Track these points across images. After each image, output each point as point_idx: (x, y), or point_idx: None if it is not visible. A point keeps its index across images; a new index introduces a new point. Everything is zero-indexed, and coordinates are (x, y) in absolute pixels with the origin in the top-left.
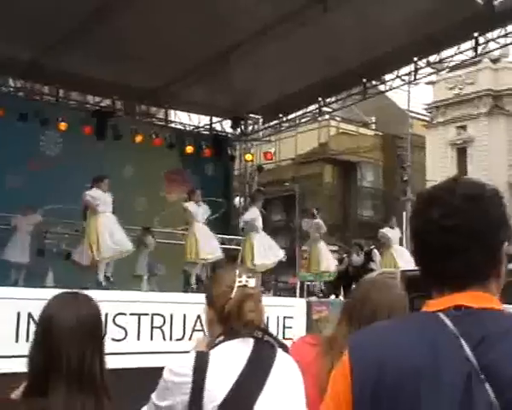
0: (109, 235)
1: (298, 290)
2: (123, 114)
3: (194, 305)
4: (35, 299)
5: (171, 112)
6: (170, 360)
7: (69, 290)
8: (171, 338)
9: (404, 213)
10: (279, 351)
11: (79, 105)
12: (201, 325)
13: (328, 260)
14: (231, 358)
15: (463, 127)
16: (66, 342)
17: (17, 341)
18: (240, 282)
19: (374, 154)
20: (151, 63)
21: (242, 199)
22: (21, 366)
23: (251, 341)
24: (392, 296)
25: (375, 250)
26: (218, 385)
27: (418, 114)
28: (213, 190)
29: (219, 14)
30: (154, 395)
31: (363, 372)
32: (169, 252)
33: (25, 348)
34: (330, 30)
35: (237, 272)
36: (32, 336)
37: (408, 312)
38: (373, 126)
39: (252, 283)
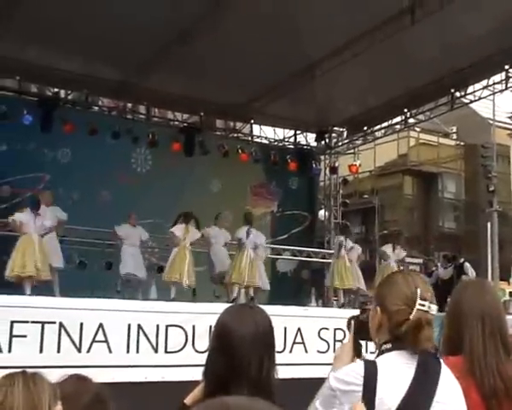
0: None
1: None
2: (208, 129)
3: (294, 318)
4: (143, 311)
5: (256, 126)
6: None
7: (239, 303)
8: None
9: (489, 225)
10: (443, 364)
11: (167, 122)
12: (302, 338)
13: None
14: (399, 367)
15: None
16: (247, 350)
17: (128, 352)
18: (422, 305)
19: (455, 164)
20: (236, 80)
21: (327, 212)
22: (132, 375)
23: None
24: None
25: (467, 264)
26: (390, 394)
27: (501, 122)
28: (298, 204)
29: (303, 29)
30: (318, 403)
31: None
32: None
33: (134, 358)
34: (416, 40)
35: (419, 291)
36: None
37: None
38: (453, 136)
39: (434, 309)
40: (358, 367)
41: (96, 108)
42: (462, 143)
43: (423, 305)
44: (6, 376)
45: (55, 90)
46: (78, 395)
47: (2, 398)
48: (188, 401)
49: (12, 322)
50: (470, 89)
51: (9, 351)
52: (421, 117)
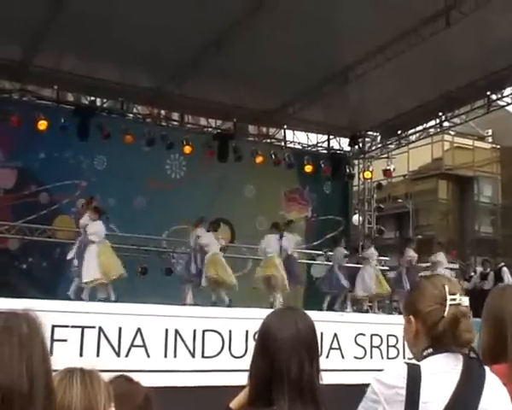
0: None
1: None
2: (241, 135)
3: (331, 323)
4: (181, 316)
5: (289, 132)
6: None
7: (284, 306)
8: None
9: None
10: (487, 370)
11: (201, 128)
12: (338, 344)
13: None
14: (443, 371)
15: None
16: (287, 354)
17: (165, 356)
18: (453, 300)
19: (491, 167)
20: (268, 85)
21: (361, 217)
22: (170, 380)
23: (460, 356)
24: None
25: (505, 268)
26: (434, 398)
27: None
28: (332, 208)
29: (336, 33)
30: (360, 407)
31: None
32: None
33: (172, 363)
34: (450, 43)
35: (447, 287)
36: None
37: None
38: (489, 139)
39: (466, 301)
40: (401, 370)
41: (131, 115)
42: (498, 147)
43: (454, 299)
44: (65, 371)
45: (92, 98)
46: (132, 395)
47: (62, 393)
48: (233, 404)
49: (53, 326)
50: (507, 91)
51: (51, 354)
52: (456, 120)
